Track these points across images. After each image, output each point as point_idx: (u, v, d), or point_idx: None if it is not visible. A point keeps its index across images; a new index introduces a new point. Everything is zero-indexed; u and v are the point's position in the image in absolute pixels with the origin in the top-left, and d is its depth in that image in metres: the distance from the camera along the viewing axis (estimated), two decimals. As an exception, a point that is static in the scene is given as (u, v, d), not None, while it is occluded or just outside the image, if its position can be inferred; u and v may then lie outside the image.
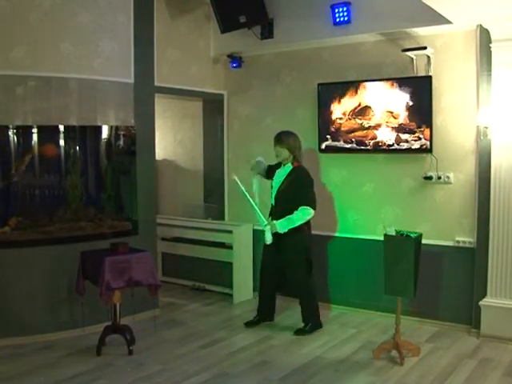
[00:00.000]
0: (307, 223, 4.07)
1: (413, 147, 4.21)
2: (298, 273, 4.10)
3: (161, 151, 5.83)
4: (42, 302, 3.96)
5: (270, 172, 4.28)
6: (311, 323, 4.15)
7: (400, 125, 4.25)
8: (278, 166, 4.23)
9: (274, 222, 4.03)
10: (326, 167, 4.75)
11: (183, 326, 4.35)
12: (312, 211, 3.98)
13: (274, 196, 4.13)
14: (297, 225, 3.98)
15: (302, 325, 4.18)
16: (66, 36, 3.95)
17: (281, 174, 4.15)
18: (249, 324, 4.31)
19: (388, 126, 4.31)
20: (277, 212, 4.11)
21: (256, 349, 3.84)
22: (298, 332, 4.11)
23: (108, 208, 4.28)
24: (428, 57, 4.16)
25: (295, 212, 3.97)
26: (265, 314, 4.34)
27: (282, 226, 4.00)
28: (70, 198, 4.06)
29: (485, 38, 3.86)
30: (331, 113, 4.58)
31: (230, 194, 5.29)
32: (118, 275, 3.54)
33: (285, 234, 4.00)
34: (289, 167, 4.11)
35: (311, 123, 4.73)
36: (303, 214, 3.98)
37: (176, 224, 5.47)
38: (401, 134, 4.25)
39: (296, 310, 4.47)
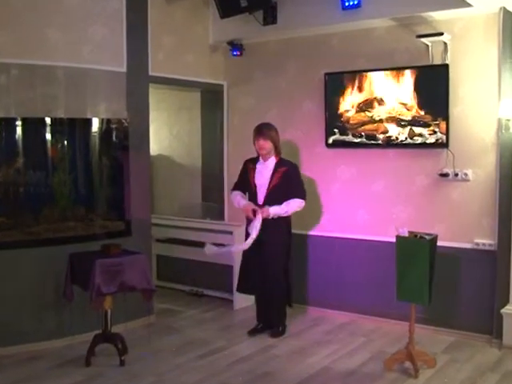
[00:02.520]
0: (287, 220, 4.20)
1: (427, 142, 4.20)
2: (278, 270, 4.17)
3: (156, 146, 5.82)
4: (26, 309, 3.94)
5: (244, 183, 4.28)
6: (283, 323, 4.29)
7: (413, 117, 4.24)
8: (253, 162, 4.24)
9: (267, 206, 4.07)
10: (333, 163, 4.73)
11: (180, 334, 4.35)
12: (304, 204, 4.17)
13: (263, 194, 4.13)
14: (289, 213, 4.14)
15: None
16: (52, 21, 3.93)
17: (264, 170, 4.16)
18: (252, 332, 4.32)
19: (400, 119, 4.29)
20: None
21: (258, 359, 3.84)
22: (275, 335, 4.22)
23: (99, 207, 4.29)
24: (445, 43, 4.14)
25: (290, 202, 4.09)
26: (266, 321, 4.35)
27: (276, 211, 4.08)
28: (58, 196, 4.04)
29: (508, 22, 3.84)
30: (339, 105, 4.57)
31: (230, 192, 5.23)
32: (110, 279, 3.53)
33: (267, 228, 4.03)
34: (272, 161, 4.14)
35: (317, 116, 4.73)
36: (297, 204, 4.14)
37: (172, 224, 5.48)
38: (414, 128, 4.24)
39: (299, 316, 4.57)
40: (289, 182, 4.12)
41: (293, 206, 4.12)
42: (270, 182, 4.13)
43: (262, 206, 4.13)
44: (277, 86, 5.00)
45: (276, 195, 4.11)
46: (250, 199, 4.23)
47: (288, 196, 4.11)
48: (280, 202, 4.10)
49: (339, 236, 4.71)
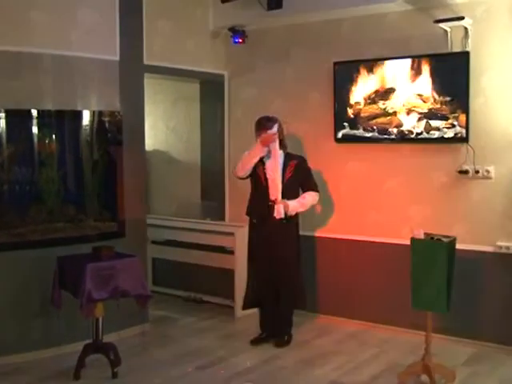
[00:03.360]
0: (296, 222, 4.28)
1: (445, 136, 4.17)
2: (288, 271, 4.22)
3: (151, 141, 5.82)
4: (10, 317, 3.90)
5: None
6: (288, 332, 4.31)
7: (430, 110, 4.21)
8: (260, 158, 4.21)
9: (286, 200, 4.14)
10: (342, 160, 4.72)
11: (177, 343, 4.34)
12: (318, 197, 4.32)
13: (277, 188, 4.15)
14: (306, 209, 4.26)
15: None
16: (37, 3, 3.89)
17: (274, 164, 4.17)
18: (255, 342, 4.31)
19: (416, 112, 4.27)
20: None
21: (262, 370, 3.82)
22: (280, 344, 4.22)
23: (90, 206, 4.27)
24: (465, 29, 4.10)
25: (305, 196, 4.23)
26: (272, 330, 4.33)
27: (294, 207, 4.17)
28: (45, 194, 4.01)
29: (535, 5, 3.84)
30: (349, 96, 4.56)
31: (232, 190, 5.28)
32: (102, 284, 3.52)
33: (278, 227, 4.12)
34: (280, 154, 4.20)
35: (326, 108, 4.71)
36: (313, 197, 4.27)
37: (169, 225, 5.48)
38: (431, 121, 4.21)
39: (306, 324, 4.55)
40: (301, 175, 4.22)
41: (308, 199, 4.24)
42: (283, 176, 4.17)
43: (270, 205, 4.13)
44: (282, 76, 4.99)
45: (291, 189, 4.17)
46: (259, 196, 4.20)
47: (303, 190, 4.25)
48: (295, 197, 4.21)
49: (348, 238, 4.70)
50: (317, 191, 4.27)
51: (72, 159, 4.18)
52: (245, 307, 4.43)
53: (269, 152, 4.20)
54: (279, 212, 4.10)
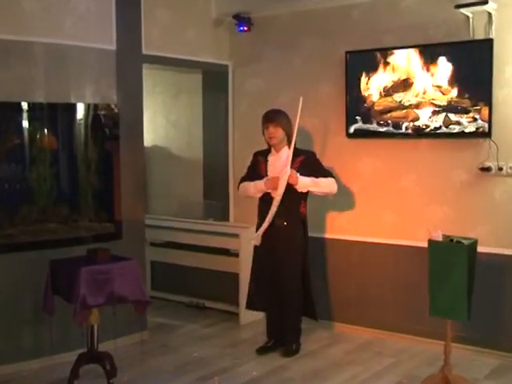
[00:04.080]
0: (304, 219, 4.23)
1: (466, 131, 4.15)
2: (294, 277, 4.21)
3: (150, 136, 5.84)
4: None
5: (254, 173, 4.30)
6: (297, 340, 4.31)
7: (450, 102, 4.18)
8: (264, 155, 4.26)
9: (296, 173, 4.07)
10: (354, 156, 4.71)
11: (177, 352, 4.34)
12: (336, 186, 4.24)
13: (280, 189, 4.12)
14: (320, 191, 4.18)
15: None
16: None
17: (278, 162, 4.17)
18: (261, 350, 4.31)
19: (434, 105, 4.25)
20: (285, 207, 4.11)
21: (268, 381, 3.82)
22: (288, 353, 4.22)
23: (85, 206, 4.28)
24: (489, 14, 4.04)
25: (320, 178, 4.15)
26: (279, 337, 4.33)
27: (305, 182, 4.10)
28: (37, 193, 4.02)
29: None
30: (362, 88, 4.54)
31: (236, 188, 5.13)
32: (97, 289, 3.51)
33: (282, 227, 4.09)
34: (285, 151, 4.18)
35: (337, 101, 4.70)
36: (330, 182, 4.20)
37: (169, 226, 5.49)
38: (451, 115, 4.19)
39: (316, 332, 4.55)
40: (310, 170, 4.15)
41: (323, 181, 4.16)
42: None
43: (280, 205, 4.10)
44: (290, 66, 4.97)
45: (295, 189, 4.10)
46: (262, 196, 4.22)
47: None
48: (301, 197, 4.17)
49: (361, 240, 4.69)
50: (334, 177, 4.23)
51: (65, 155, 4.18)
52: (247, 307, 4.44)
53: (273, 148, 4.20)
54: (292, 176, 4.02)
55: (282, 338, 4.30)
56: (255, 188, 4.20)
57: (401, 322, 4.52)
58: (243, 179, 4.34)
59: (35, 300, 3.84)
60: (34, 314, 3.90)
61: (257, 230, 4.24)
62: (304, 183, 4.09)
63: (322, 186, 4.16)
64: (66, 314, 3.52)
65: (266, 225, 4.08)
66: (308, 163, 4.18)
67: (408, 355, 4.24)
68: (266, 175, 4.19)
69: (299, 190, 4.09)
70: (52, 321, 3.70)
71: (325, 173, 4.20)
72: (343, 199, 4.72)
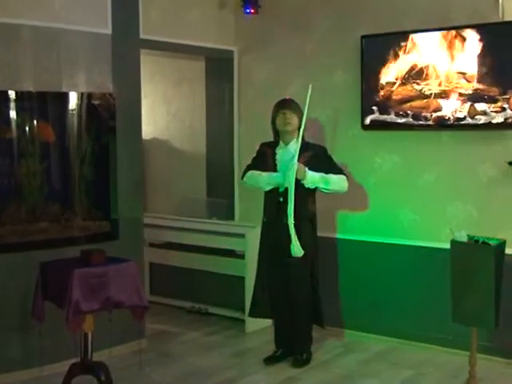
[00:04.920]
0: (313, 219, 4.25)
1: (493, 121, 4.12)
2: (303, 280, 4.22)
3: (149, 128, 5.89)
4: None
5: (260, 164, 4.31)
6: (307, 350, 4.31)
7: (476, 91, 4.16)
8: (271, 147, 4.29)
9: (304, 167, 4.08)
10: (370, 150, 4.71)
11: (178, 362, 4.35)
12: (347, 184, 4.23)
13: (289, 185, 4.13)
14: (329, 189, 4.17)
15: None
16: None
17: (286, 156, 4.19)
18: (269, 361, 4.31)
19: (458, 93, 4.23)
20: (295, 204, 4.09)
21: None
22: (298, 364, 4.23)
23: (78, 203, 4.27)
24: None
25: (329, 174, 4.15)
26: (288, 346, 4.34)
27: (314, 177, 4.10)
28: (26, 190, 4.00)
29: None
30: (379, 76, 4.55)
31: (242, 185, 5.17)
32: (92, 294, 3.49)
33: (288, 231, 4.06)
34: (294, 145, 4.18)
35: (352, 90, 4.70)
36: (340, 180, 4.19)
37: (169, 225, 5.51)
38: (476, 104, 4.17)
39: (328, 341, 4.56)
40: (319, 165, 4.15)
41: (333, 177, 4.16)
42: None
43: (281, 202, 4.12)
44: (301, 52, 4.97)
45: (302, 185, 4.09)
46: (269, 191, 4.23)
47: None
48: (310, 194, 4.17)
49: (377, 241, 4.70)
50: (345, 175, 4.22)
51: (57, 149, 4.15)
52: (250, 314, 4.47)
53: (281, 140, 4.23)
54: (300, 171, 4.02)
55: (292, 347, 4.30)
56: (270, 179, 4.17)
57: (420, 330, 4.51)
58: (249, 168, 4.34)
59: (24, 305, 3.84)
60: (22, 320, 3.91)
61: (262, 227, 4.28)
62: (313, 178, 4.08)
63: (331, 182, 4.15)
64: (58, 321, 3.50)
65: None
66: (317, 158, 4.18)
67: (429, 367, 4.21)
68: (274, 169, 4.19)
69: (306, 186, 4.08)
70: (42, 328, 3.64)
71: (336, 169, 4.21)
72: (357, 196, 4.72)
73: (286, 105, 4.21)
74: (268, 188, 4.19)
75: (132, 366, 4.08)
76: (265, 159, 4.27)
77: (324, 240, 4.58)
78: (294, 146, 4.15)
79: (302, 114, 4.16)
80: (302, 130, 4.10)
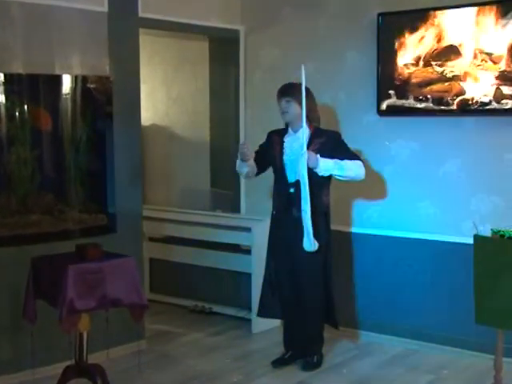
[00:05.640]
0: (326, 212, 4.25)
1: None
2: (315, 277, 4.22)
3: (149, 113, 5.89)
4: None
5: (261, 158, 4.34)
6: (319, 352, 4.32)
7: (503, 73, 4.12)
8: (280, 135, 4.30)
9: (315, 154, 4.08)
10: (387, 137, 4.70)
11: (180, 365, 4.35)
12: (364, 170, 4.20)
13: (297, 176, 4.14)
14: (345, 175, 4.14)
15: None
16: None
17: (296, 143, 4.19)
18: (278, 363, 4.32)
19: (484, 76, 4.20)
20: (303, 196, 4.07)
21: None
22: (308, 367, 4.23)
23: (73, 195, 4.26)
24: None
25: (344, 160, 4.13)
26: (298, 348, 4.34)
27: (327, 164, 4.08)
28: (16, 179, 3.98)
29: None
30: (397, 57, 4.53)
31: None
32: (87, 291, 3.47)
33: (300, 220, 4.05)
34: (303, 132, 4.12)
35: (367, 72, 4.69)
36: (356, 166, 4.17)
37: (170, 218, 5.52)
38: (503, 87, 4.13)
39: (340, 343, 4.59)
40: (332, 152, 4.13)
41: (348, 163, 4.13)
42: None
43: (291, 193, 4.13)
44: (312, 31, 4.95)
45: (315, 174, 4.08)
46: (277, 182, 4.28)
47: None
48: (321, 185, 4.15)
49: (394, 235, 4.70)
50: (361, 160, 4.21)
51: (49, 136, 4.14)
52: (259, 314, 4.47)
53: (290, 128, 4.24)
54: (311, 159, 4.02)
55: (302, 349, 4.31)
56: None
57: (440, 332, 4.51)
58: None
59: (14, 304, 3.84)
60: (12, 320, 3.91)
61: (272, 221, 4.28)
62: (326, 166, 4.06)
63: (346, 168, 4.13)
64: (51, 321, 3.49)
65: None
66: (330, 144, 4.18)
67: (450, 371, 4.22)
68: (281, 158, 4.19)
69: (320, 174, 4.06)
70: (34, 329, 3.64)
71: (350, 155, 4.20)
72: (373, 187, 4.71)
73: (280, 93, 4.21)
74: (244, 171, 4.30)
75: (130, 368, 4.07)
76: (271, 148, 4.28)
77: (338, 233, 4.60)
78: (304, 132, 4.13)
79: (311, 99, 4.15)
80: (303, 116, 4.05)
